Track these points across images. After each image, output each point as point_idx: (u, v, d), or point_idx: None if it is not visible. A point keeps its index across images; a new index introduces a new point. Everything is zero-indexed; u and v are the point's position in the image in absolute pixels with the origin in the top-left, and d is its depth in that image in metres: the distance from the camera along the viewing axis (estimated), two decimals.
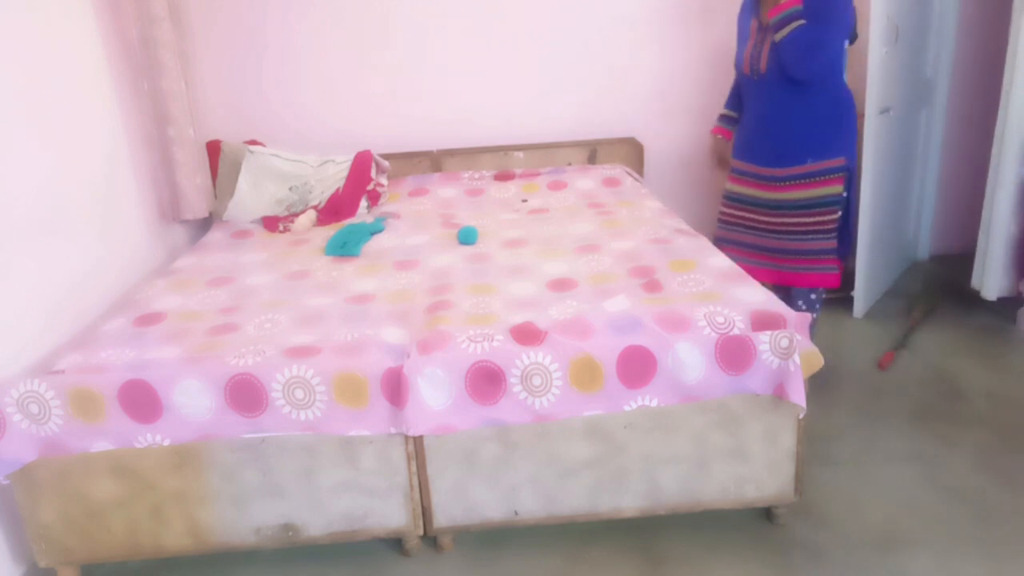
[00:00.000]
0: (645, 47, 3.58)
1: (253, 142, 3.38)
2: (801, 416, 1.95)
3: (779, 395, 1.89)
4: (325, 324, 2.09)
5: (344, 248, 2.71)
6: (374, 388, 1.84)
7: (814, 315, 2.72)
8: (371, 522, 1.96)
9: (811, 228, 2.62)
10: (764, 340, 1.87)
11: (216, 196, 3.24)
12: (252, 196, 3.18)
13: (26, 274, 2.14)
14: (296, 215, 3.15)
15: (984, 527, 2.03)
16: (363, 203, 3.20)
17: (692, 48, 3.59)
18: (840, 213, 2.61)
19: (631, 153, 3.63)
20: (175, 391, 1.83)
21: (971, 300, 3.25)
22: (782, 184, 2.65)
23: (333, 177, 3.26)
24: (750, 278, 2.21)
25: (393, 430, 1.86)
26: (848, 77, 2.74)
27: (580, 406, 1.89)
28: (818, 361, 1.91)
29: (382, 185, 3.32)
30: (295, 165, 3.26)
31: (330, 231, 2.96)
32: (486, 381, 1.86)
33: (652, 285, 2.19)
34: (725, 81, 3.03)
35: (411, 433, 1.84)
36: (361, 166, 3.26)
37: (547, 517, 2.00)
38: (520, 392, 1.87)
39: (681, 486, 1.99)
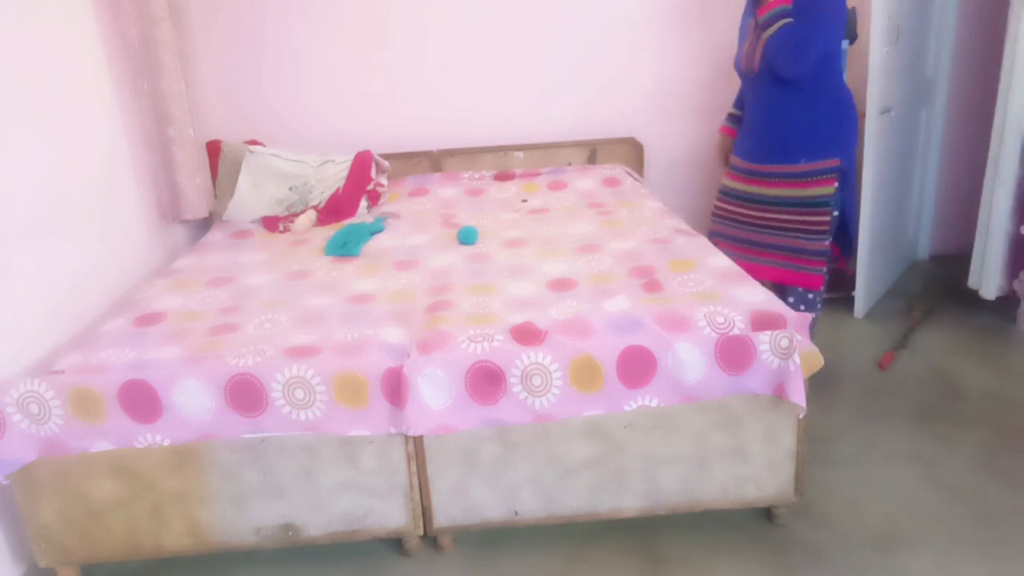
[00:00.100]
0: (645, 47, 3.58)
1: (253, 142, 3.38)
2: (801, 416, 1.95)
3: (779, 395, 1.89)
4: (325, 324, 2.09)
5: (344, 248, 2.71)
6: (374, 388, 1.84)
7: (814, 315, 2.71)
8: (371, 522, 1.96)
9: (799, 226, 2.60)
10: (764, 340, 1.87)
11: (216, 196, 3.24)
12: (252, 196, 3.18)
13: (26, 274, 2.14)
14: (296, 215, 3.15)
15: (984, 527, 2.03)
16: (363, 203, 3.20)
17: (692, 48, 3.58)
18: (833, 214, 2.60)
19: (631, 153, 3.63)
20: (175, 391, 1.83)
21: (971, 300, 3.25)
22: (771, 180, 2.63)
23: (333, 177, 3.26)
24: (750, 278, 2.21)
25: (393, 430, 1.86)
26: (848, 77, 2.73)
27: (580, 406, 1.89)
28: (818, 361, 1.91)
29: (382, 185, 3.31)
30: (295, 165, 3.26)
31: (330, 231, 2.96)
32: (486, 381, 1.86)
33: (652, 285, 2.19)
34: (725, 81, 3.03)
35: (411, 433, 1.84)
36: (361, 166, 3.26)
37: (547, 517, 2.00)
38: (520, 392, 1.87)
39: (681, 486, 1.99)
